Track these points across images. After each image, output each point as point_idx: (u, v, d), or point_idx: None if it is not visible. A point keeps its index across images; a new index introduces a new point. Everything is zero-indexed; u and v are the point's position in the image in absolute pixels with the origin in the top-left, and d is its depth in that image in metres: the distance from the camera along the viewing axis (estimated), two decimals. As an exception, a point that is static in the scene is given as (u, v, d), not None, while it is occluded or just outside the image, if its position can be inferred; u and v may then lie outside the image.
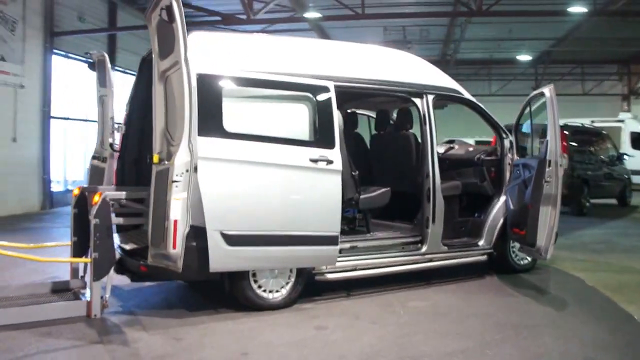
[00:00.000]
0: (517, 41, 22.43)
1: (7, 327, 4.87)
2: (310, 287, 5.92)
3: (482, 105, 7.16)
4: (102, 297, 5.34)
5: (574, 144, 13.87)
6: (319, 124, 5.67)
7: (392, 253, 6.41)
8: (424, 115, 6.54)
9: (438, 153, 7.93)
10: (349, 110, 8.11)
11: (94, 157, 6.98)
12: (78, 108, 16.00)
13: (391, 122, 7.92)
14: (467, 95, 7.04)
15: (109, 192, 5.48)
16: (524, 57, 25.18)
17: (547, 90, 6.31)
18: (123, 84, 15.05)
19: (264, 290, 5.57)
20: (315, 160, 5.54)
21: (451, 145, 8.17)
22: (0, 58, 12.57)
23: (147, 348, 4.60)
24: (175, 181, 4.74)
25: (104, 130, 6.79)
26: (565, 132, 13.53)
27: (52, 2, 14.31)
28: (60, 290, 5.86)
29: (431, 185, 6.45)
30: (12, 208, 12.38)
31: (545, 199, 6.20)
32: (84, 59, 14.25)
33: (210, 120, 5.16)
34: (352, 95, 7.50)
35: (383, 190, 6.63)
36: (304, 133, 5.64)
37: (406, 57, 6.78)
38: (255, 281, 5.54)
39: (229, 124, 5.26)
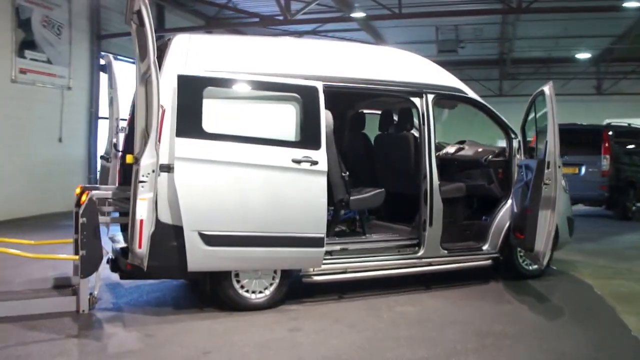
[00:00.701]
0: (574, 39, 21.52)
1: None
2: (301, 289, 5.91)
3: (488, 105, 6.93)
4: (91, 294, 5.49)
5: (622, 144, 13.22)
6: (304, 125, 5.63)
7: (387, 256, 6.29)
8: (423, 115, 6.39)
9: (448, 154, 7.81)
10: (359, 111, 8.03)
11: (102, 157, 7.20)
12: (125, 108, 16.49)
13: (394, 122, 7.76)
14: (471, 94, 6.83)
15: (96, 192, 5.63)
16: (584, 55, 24.14)
17: (547, 89, 6.05)
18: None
19: (247, 291, 5.59)
20: (298, 161, 5.50)
21: (461, 146, 7.93)
22: (46, 61, 13.11)
23: (117, 343, 4.74)
24: (142, 181, 4.82)
25: (111, 130, 6.99)
26: (609, 132, 12.95)
27: (99, 6, 14.80)
28: (61, 286, 6.02)
29: (428, 187, 6.30)
30: (56, 206, 12.89)
31: (544, 202, 5.94)
32: (131, 60, 14.68)
33: (189, 121, 5.23)
34: (358, 96, 7.44)
35: (376, 191, 6.52)
36: (288, 133, 5.61)
37: (404, 55, 6.63)
38: (238, 281, 5.56)
39: (208, 125, 5.30)
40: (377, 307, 5.78)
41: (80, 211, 5.36)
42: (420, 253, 6.35)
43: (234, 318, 5.38)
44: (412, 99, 6.41)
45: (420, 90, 6.41)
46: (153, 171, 4.88)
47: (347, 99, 7.71)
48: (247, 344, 4.71)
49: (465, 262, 6.65)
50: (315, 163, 5.57)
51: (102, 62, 7.35)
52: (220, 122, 5.42)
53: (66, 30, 13.68)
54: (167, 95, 5.20)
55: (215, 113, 5.39)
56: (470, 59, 24.35)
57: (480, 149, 7.47)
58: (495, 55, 24.03)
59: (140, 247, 4.83)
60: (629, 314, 5.61)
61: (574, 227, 7.56)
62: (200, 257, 5.25)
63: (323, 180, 5.60)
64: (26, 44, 12.46)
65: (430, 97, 6.44)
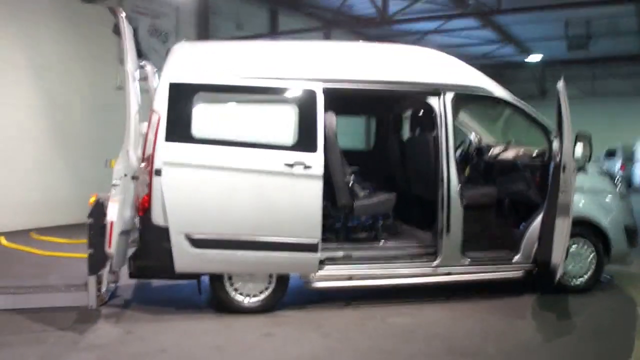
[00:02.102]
0: None
1: (15, 310, 5.59)
2: (310, 294, 5.89)
3: (521, 104, 6.30)
4: (99, 291, 5.84)
5: None
6: (299, 128, 5.54)
7: (398, 264, 5.97)
8: (440, 116, 5.98)
9: (492, 156, 7.24)
10: (397, 114, 7.69)
11: None
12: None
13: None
14: (499, 92, 6.25)
15: (103, 194, 5.94)
16: None
17: (560, 85, 5.41)
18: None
19: (240, 294, 5.62)
20: (290, 165, 5.42)
21: (503, 148, 7.26)
22: (153, 68, 14.11)
23: (94, 338, 5.00)
24: (114, 185, 5.02)
25: None
26: None
27: (207, 13, 15.59)
28: (100, 282, 6.44)
29: (445, 192, 5.89)
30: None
31: (560, 209, 5.31)
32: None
33: (178, 127, 5.37)
34: (395, 99, 7.13)
35: (384, 197, 6.22)
36: (282, 137, 5.54)
37: (419, 53, 6.22)
38: (232, 284, 5.60)
39: (199, 130, 5.41)
40: (371, 316, 5.54)
41: (88, 212, 5.71)
42: (437, 262, 5.95)
43: (218, 320, 5.45)
44: (429, 99, 6.01)
45: (437, 89, 5.99)
46: (125, 175, 5.06)
47: (386, 103, 7.44)
48: (209, 345, 4.77)
49: (491, 273, 6.11)
50: (309, 167, 5.45)
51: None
52: (212, 127, 5.50)
53: (172, 37, 14.55)
54: (163, 102, 5.38)
55: (207, 118, 5.49)
56: (603, 55, 22.45)
57: (521, 151, 6.81)
58: (637, 50, 21.82)
59: (110, 247, 5.04)
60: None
61: (637, 236, 6.65)
62: (187, 259, 5.37)
63: (318, 185, 5.46)
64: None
65: (449, 96, 5.99)
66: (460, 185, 5.92)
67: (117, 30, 5.21)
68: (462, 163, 7.45)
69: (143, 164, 5.37)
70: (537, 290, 6.29)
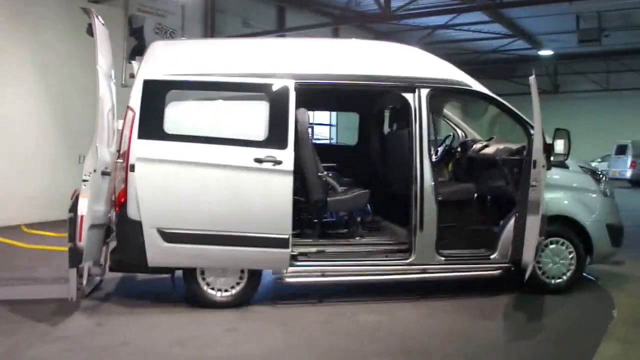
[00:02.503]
0: None
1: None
2: (288, 290, 5.94)
3: (499, 98, 6.26)
4: (80, 284, 5.95)
5: None
6: (269, 124, 5.58)
7: (372, 261, 5.99)
8: (414, 111, 5.96)
9: (474, 152, 7.19)
10: (379, 109, 7.68)
11: None
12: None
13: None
14: (477, 87, 6.21)
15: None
16: None
17: (532, 79, 5.36)
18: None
19: (212, 289, 5.68)
20: (260, 160, 5.46)
21: (485, 144, 7.20)
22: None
23: (65, 329, 5.11)
24: (84, 180, 5.12)
25: None
26: None
27: (214, 11, 15.70)
28: (80, 275, 6.57)
29: (418, 189, 5.87)
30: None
31: (531, 206, 5.27)
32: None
33: (151, 124, 5.46)
34: (377, 95, 7.12)
35: (358, 192, 6.24)
36: (252, 133, 5.59)
37: (394, 48, 6.21)
38: (204, 279, 5.67)
39: (171, 127, 5.48)
40: (340, 313, 5.57)
41: (68, 207, 5.81)
42: (411, 259, 5.94)
43: (189, 314, 5.53)
44: (403, 94, 6.00)
45: (411, 84, 5.97)
46: (95, 170, 5.15)
47: (369, 98, 7.44)
48: (171, 339, 4.84)
49: (467, 272, 6.08)
50: (279, 162, 5.49)
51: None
52: (184, 123, 5.59)
53: (179, 35, 14.69)
54: (137, 99, 5.47)
55: (179, 115, 5.58)
56: (617, 49, 22.09)
57: (502, 147, 6.75)
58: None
59: (80, 240, 5.14)
60: (619, 341, 4.81)
61: (622, 235, 6.56)
62: (159, 254, 5.46)
63: (288, 180, 5.50)
64: (138, 51, 13.60)
65: (425, 91, 5.97)
66: (434, 181, 5.90)
67: (90, 31, 5.29)
68: (445, 159, 7.44)
69: (119, 160, 5.48)
70: (516, 290, 6.25)
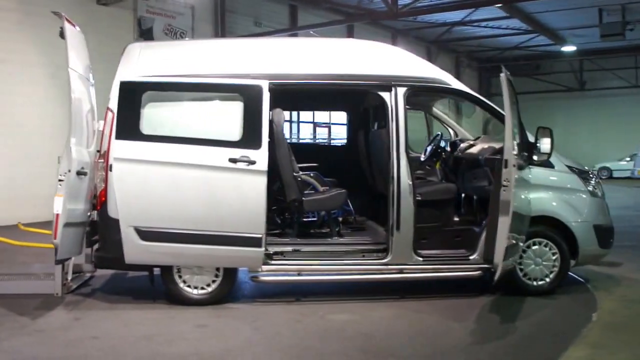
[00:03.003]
0: None
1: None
2: (268, 288, 6.05)
3: (479, 96, 6.21)
4: (66, 280, 6.11)
5: None
6: (244, 124, 5.64)
7: (349, 260, 6.00)
8: (391, 110, 5.94)
9: (460, 151, 7.14)
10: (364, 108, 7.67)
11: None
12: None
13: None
14: (456, 85, 6.17)
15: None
16: None
17: (503, 75, 5.33)
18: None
19: (189, 286, 5.77)
20: (234, 160, 5.52)
21: (472, 143, 7.12)
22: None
23: (43, 323, 5.28)
24: (60, 180, 5.24)
25: None
26: None
27: (224, 11, 15.84)
28: (75, 272, 6.71)
29: (395, 188, 5.86)
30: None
31: (502, 206, 5.22)
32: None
33: (128, 125, 5.58)
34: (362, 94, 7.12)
35: (334, 192, 6.26)
36: (227, 133, 5.67)
37: (370, 47, 6.20)
38: (180, 277, 5.76)
39: (147, 127, 5.61)
40: (313, 312, 5.60)
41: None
42: (387, 259, 5.93)
43: (164, 311, 5.64)
44: (380, 93, 5.98)
45: (388, 83, 5.95)
46: (69, 171, 5.27)
47: (354, 97, 7.45)
48: (139, 334, 4.95)
49: (446, 272, 6.04)
50: (252, 163, 5.54)
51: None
52: (160, 124, 5.70)
53: (189, 36, 14.88)
54: (116, 100, 5.58)
55: (155, 115, 5.68)
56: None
57: (486, 146, 6.68)
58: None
59: (55, 237, 5.27)
60: (589, 345, 4.73)
61: (611, 237, 6.45)
62: (136, 251, 5.58)
63: (261, 180, 5.56)
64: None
65: (401, 90, 5.95)
66: (411, 181, 5.88)
67: (62, 34, 5.42)
68: (432, 158, 7.39)
69: (100, 160, 5.61)
70: (498, 291, 6.19)
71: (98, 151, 5.87)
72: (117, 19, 13.21)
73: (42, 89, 11.83)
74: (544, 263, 6.15)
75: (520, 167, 5.48)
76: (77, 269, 6.62)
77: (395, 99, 5.93)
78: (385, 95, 5.97)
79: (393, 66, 6.04)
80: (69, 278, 6.21)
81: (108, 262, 5.84)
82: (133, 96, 5.61)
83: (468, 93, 6.19)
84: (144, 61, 5.75)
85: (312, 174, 6.74)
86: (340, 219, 6.73)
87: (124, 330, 5.07)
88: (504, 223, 5.23)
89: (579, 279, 6.91)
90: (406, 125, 5.97)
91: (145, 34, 13.73)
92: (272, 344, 4.78)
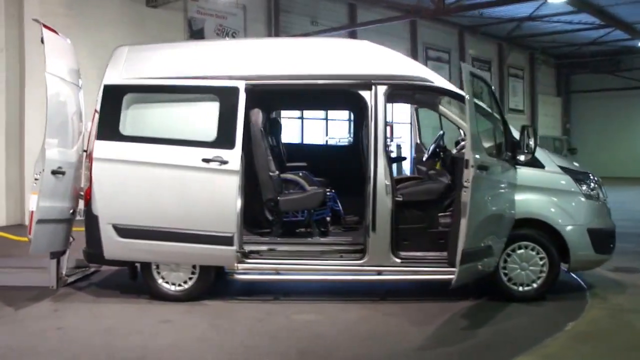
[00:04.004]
0: None
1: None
2: (256, 287, 6.16)
3: (465, 94, 5.94)
4: (61, 273, 6.47)
5: None
6: (219, 125, 5.74)
7: (328, 260, 5.96)
8: (371, 109, 5.85)
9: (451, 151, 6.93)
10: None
11: None
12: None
13: None
14: (440, 82, 5.96)
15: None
16: None
17: (463, 69, 5.13)
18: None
19: (166, 282, 5.94)
20: (207, 160, 5.64)
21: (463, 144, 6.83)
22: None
23: (24, 313, 5.60)
24: (35, 179, 5.54)
25: None
26: None
27: (278, 11, 16.04)
28: (81, 266, 7.10)
29: (371, 188, 5.77)
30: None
31: (463, 208, 5.03)
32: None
33: (108, 126, 5.82)
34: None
35: (311, 192, 6.21)
36: (203, 134, 5.77)
37: (349, 45, 6.16)
38: (159, 273, 5.95)
39: (126, 128, 5.82)
40: (280, 312, 5.61)
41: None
42: (364, 260, 5.85)
43: (140, 305, 5.83)
44: (360, 92, 5.90)
45: (367, 81, 5.86)
46: (43, 170, 5.57)
47: (354, 96, 7.35)
48: (102, 327, 5.17)
49: (425, 275, 5.87)
50: (225, 162, 5.64)
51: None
52: (139, 125, 5.90)
53: (241, 35, 15.16)
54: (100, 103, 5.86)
55: (134, 117, 5.90)
56: None
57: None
58: None
59: (30, 233, 5.58)
60: (539, 356, 4.48)
61: (609, 242, 6.05)
62: (114, 248, 5.81)
63: (233, 179, 5.64)
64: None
65: (382, 88, 5.84)
66: (389, 181, 5.76)
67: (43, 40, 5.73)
68: (433, 157, 7.20)
69: (87, 160, 5.91)
70: (484, 296, 5.97)
71: (85, 151, 6.16)
72: (167, 21, 13.66)
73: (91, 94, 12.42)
74: (531, 268, 5.86)
75: (483, 167, 5.23)
76: (82, 264, 6.97)
77: (375, 98, 5.84)
78: (365, 94, 5.88)
79: (373, 64, 5.93)
80: (64, 272, 6.53)
81: (92, 258, 6.10)
82: (114, 98, 5.84)
83: (451, 90, 5.99)
84: (128, 64, 5.97)
85: (300, 174, 6.74)
86: (328, 218, 6.69)
87: (91, 323, 5.29)
88: (462, 225, 5.02)
89: (583, 284, 6.56)
90: (386, 124, 5.86)
91: (196, 35, 14.10)
92: (219, 341, 4.84)
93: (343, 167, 7.49)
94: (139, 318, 5.45)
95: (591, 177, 6.23)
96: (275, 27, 16.09)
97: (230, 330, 5.10)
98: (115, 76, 5.91)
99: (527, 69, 26.95)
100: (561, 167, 6.06)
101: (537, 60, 26.81)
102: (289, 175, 6.68)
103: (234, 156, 5.65)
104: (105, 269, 7.04)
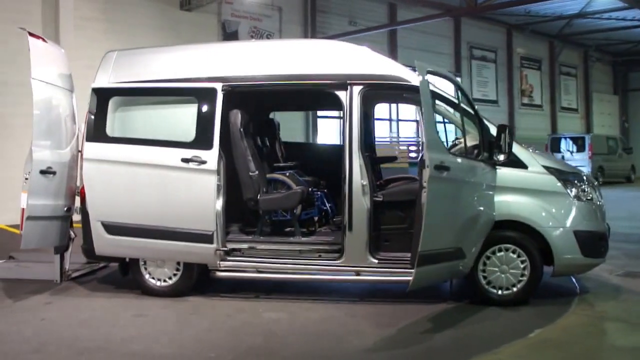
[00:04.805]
0: None
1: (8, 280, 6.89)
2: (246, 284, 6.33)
3: (447, 94, 5.90)
4: (65, 268, 6.83)
5: None
6: (197, 126, 5.92)
7: (307, 260, 6.02)
8: (346, 109, 5.87)
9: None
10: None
11: None
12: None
13: None
14: (417, 81, 5.87)
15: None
16: None
17: (416, 64, 5.11)
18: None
19: (153, 278, 6.18)
20: (187, 160, 5.84)
21: (459, 141, 6.65)
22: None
23: (18, 304, 6.00)
24: (26, 179, 5.88)
25: None
26: None
27: (314, 12, 16.15)
28: (91, 262, 7.41)
29: (347, 189, 5.79)
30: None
31: (421, 210, 4.98)
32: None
33: (96, 128, 6.12)
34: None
35: (290, 191, 6.27)
36: (182, 135, 5.98)
37: (324, 46, 6.17)
38: (146, 268, 6.19)
39: (112, 130, 6.10)
40: (251, 309, 5.75)
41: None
42: (341, 260, 5.87)
43: (127, 300, 6.10)
44: (336, 92, 5.93)
45: (342, 82, 5.88)
46: (31, 171, 5.90)
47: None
48: (79, 319, 5.46)
49: (402, 276, 5.77)
50: (203, 162, 5.81)
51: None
52: (124, 127, 6.19)
53: (276, 37, 15.34)
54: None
55: (120, 119, 6.19)
56: None
57: (471, 144, 6.24)
58: None
59: (21, 229, 5.92)
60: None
61: (598, 245, 5.83)
62: (103, 244, 6.11)
63: (211, 179, 5.82)
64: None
65: (357, 88, 5.85)
66: (366, 181, 5.76)
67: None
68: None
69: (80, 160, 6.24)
70: (464, 299, 5.89)
71: (79, 151, 6.47)
72: (201, 24, 14.00)
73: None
74: (511, 271, 5.71)
75: (443, 168, 5.14)
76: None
77: (350, 98, 5.85)
78: (341, 94, 5.91)
79: (348, 65, 5.95)
80: (67, 266, 6.88)
81: (88, 254, 6.41)
82: (101, 101, 6.13)
83: (433, 91, 5.90)
84: (115, 68, 6.25)
85: (287, 173, 6.83)
86: (316, 218, 6.75)
87: (71, 315, 5.59)
88: (419, 227, 4.98)
89: (577, 288, 6.36)
90: (361, 124, 5.87)
91: (230, 38, 14.37)
92: (177, 335, 5.02)
93: (338, 167, 7.50)
94: (118, 312, 5.70)
95: (583, 178, 6.02)
96: (312, 28, 16.21)
97: (196, 325, 5.25)
98: (104, 80, 6.20)
99: (580, 67, 26.09)
100: (547, 168, 5.88)
101: (591, 58, 25.83)
102: (275, 175, 6.79)
103: (211, 156, 5.82)
104: (113, 265, 7.35)
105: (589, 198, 5.91)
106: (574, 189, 5.84)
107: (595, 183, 6.23)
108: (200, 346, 4.72)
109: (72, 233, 6.83)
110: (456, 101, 5.91)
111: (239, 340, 4.85)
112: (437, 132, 5.28)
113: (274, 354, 4.56)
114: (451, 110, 6.07)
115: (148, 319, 5.48)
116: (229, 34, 14.48)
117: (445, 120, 6.21)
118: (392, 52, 18.05)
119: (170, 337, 4.94)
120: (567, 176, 5.91)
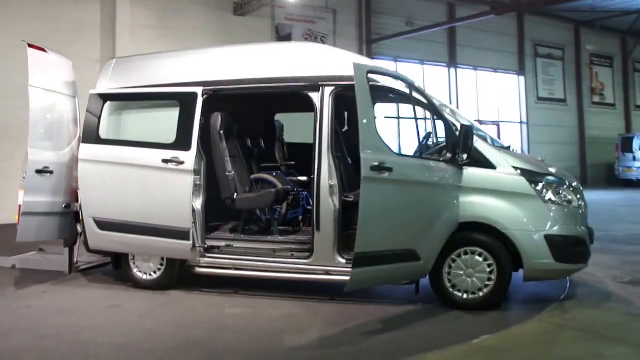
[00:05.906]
0: None
1: (24, 269, 7.57)
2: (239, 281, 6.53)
3: (418, 95, 5.80)
4: (74, 260, 7.37)
5: None
6: (178, 128, 6.23)
7: (280, 259, 6.15)
8: (317, 109, 5.95)
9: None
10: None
11: None
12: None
13: None
14: (384, 82, 5.84)
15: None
16: None
17: (355, 68, 5.11)
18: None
19: (140, 271, 6.55)
20: (167, 161, 6.16)
21: (441, 142, 6.46)
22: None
23: (18, 292, 6.57)
24: (23, 177, 6.41)
25: None
26: None
27: (369, 13, 16.16)
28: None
29: (315, 189, 5.87)
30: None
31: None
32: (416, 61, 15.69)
33: (90, 130, 6.57)
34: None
35: (265, 191, 6.39)
36: (164, 137, 6.31)
37: (298, 49, 6.29)
38: (134, 263, 6.57)
39: (104, 133, 6.53)
40: (219, 304, 5.94)
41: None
42: (311, 260, 5.96)
43: (115, 291, 6.50)
44: (309, 93, 6.01)
45: (315, 83, 5.96)
46: (26, 170, 6.42)
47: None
48: (59, 308, 5.87)
49: (368, 277, 5.82)
50: (181, 163, 6.12)
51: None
52: (114, 129, 6.62)
53: (330, 39, 15.50)
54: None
55: (111, 122, 6.61)
56: None
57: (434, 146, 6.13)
58: None
59: (19, 224, 6.45)
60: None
61: (573, 251, 5.57)
62: (95, 239, 6.56)
63: (189, 179, 6.11)
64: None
65: (328, 89, 5.91)
66: (334, 181, 5.81)
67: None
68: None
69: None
70: (433, 302, 5.78)
71: (79, 152, 6.94)
72: (254, 28, 14.39)
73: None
74: (477, 275, 5.56)
75: (384, 168, 5.09)
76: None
77: (321, 99, 5.93)
78: (313, 95, 5.99)
79: (320, 66, 6.02)
80: (76, 259, 7.40)
81: (86, 247, 6.89)
82: (96, 106, 6.58)
83: (395, 89, 5.87)
84: (113, 75, 6.69)
85: (274, 174, 6.98)
86: (301, 217, 6.86)
87: (56, 304, 6.03)
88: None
89: (562, 294, 6.13)
90: (331, 125, 5.92)
91: (284, 40, 14.65)
92: (130, 325, 5.31)
93: None
94: (99, 303, 6.08)
95: (561, 181, 5.75)
96: (367, 29, 16.22)
97: (158, 318, 5.52)
98: (103, 86, 6.65)
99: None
100: (518, 169, 5.66)
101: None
102: (262, 175, 6.97)
103: (189, 157, 6.09)
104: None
105: (565, 201, 5.64)
106: (548, 192, 5.60)
107: (578, 186, 5.92)
108: (144, 337, 4.96)
109: (79, 228, 7.33)
110: (425, 101, 5.81)
111: (183, 333, 5.05)
112: (377, 132, 5.24)
113: (200, 347, 4.72)
114: (412, 110, 5.97)
115: (119, 310, 5.82)
116: (283, 37, 14.77)
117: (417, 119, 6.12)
118: (452, 51, 17.72)
119: (126, 328, 5.22)
120: (540, 178, 5.66)
